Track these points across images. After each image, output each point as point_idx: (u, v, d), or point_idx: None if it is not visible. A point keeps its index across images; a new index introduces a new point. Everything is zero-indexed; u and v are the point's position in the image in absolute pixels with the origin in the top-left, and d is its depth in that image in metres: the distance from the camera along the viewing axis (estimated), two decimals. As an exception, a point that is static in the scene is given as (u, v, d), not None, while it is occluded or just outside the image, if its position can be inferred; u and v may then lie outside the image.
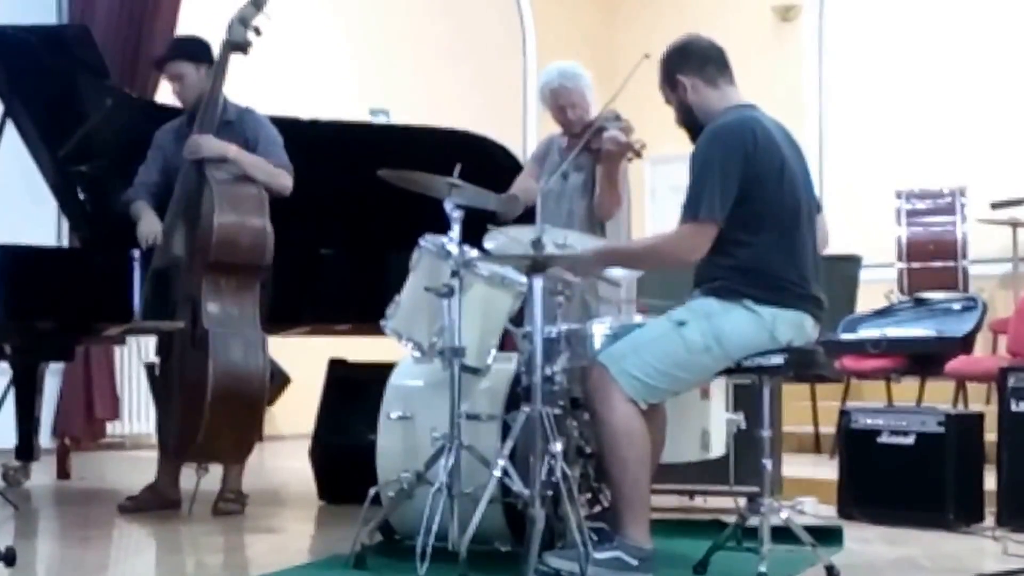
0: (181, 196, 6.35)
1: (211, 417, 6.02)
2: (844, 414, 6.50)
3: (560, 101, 6.07)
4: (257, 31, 6.29)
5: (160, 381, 6.59)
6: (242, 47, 6.29)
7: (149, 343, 7.10)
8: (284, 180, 6.41)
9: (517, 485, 4.63)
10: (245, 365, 6.16)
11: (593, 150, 5.86)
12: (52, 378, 7.97)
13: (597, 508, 5.16)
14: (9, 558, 4.49)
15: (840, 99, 12.12)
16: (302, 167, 6.61)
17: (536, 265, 4.73)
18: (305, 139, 7.14)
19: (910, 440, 6.18)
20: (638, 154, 5.78)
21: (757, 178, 4.57)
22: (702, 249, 4.60)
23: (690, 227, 4.59)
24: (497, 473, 4.64)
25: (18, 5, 8.41)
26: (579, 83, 6.07)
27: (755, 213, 4.58)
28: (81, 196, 7.02)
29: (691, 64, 4.81)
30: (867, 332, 8.34)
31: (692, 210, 4.57)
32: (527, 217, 5.64)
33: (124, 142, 6.79)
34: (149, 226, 6.42)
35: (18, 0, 8.54)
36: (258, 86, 9.38)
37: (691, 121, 4.84)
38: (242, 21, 6.26)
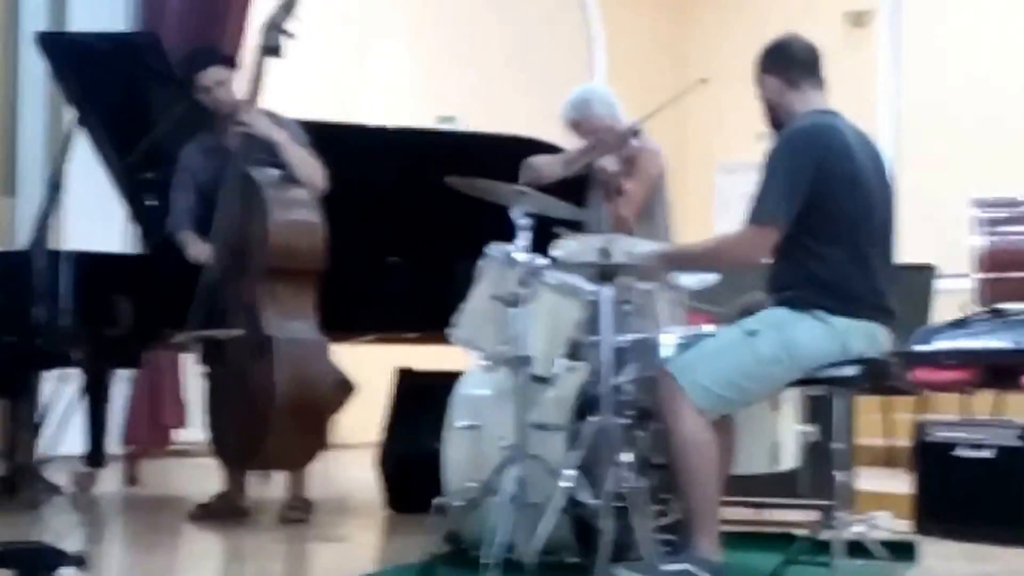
0: (228, 203, 6.32)
1: (278, 425, 6.01)
2: (920, 426, 6.37)
3: (577, 132, 6.09)
4: (290, 35, 6.27)
5: (214, 390, 6.56)
6: (275, 51, 6.28)
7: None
8: (320, 176, 6.36)
9: (585, 496, 4.61)
10: (310, 371, 6.15)
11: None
12: (119, 385, 7.98)
13: (666, 520, 5.05)
14: (80, 562, 4.49)
15: (915, 106, 11.94)
16: (370, 174, 6.58)
17: (605, 273, 4.70)
18: (373, 146, 7.16)
19: (988, 454, 6.03)
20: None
21: (828, 186, 4.52)
22: (763, 252, 4.58)
23: (752, 229, 4.56)
24: (565, 484, 4.60)
25: (88, 13, 8.46)
26: (589, 110, 6.04)
27: (827, 221, 4.54)
28: (149, 202, 7.03)
29: (776, 65, 4.79)
30: (941, 344, 8.18)
31: (756, 212, 4.54)
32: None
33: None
34: (198, 249, 6.41)
35: (88, 8, 8.59)
36: (325, 93, 9.44)
37: (774, 120, 4.81)
38: (274, 26, 6.25)
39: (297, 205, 6.26)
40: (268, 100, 6.48)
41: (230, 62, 6.52)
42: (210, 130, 6.52)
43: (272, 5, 6.34)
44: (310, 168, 6.34)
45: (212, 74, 6.44)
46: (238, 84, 6.51)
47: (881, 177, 4.76)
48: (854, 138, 4.68)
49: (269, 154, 6.32)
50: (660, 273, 5.01)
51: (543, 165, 6.04)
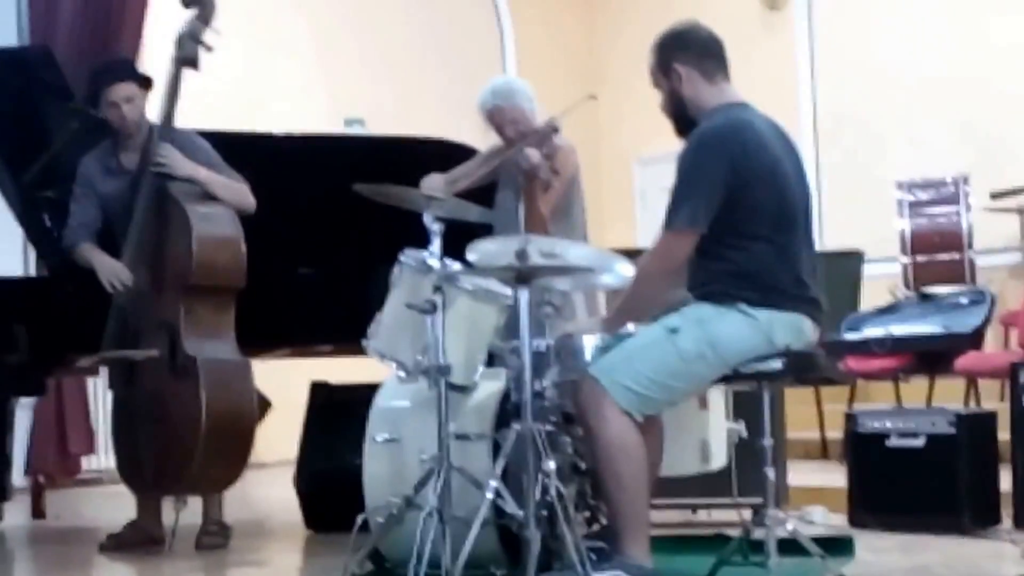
0: (143, 221, 6.14)
1: (204, 449, 5.84)
2: (850, 418, 6.33)
3: (496, 120, 5.97)
4: (207, 47, 6.17)
5: (123, 414, 6.35)
6: (193, 62, 6.18)
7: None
8: (250, 198, 6.24)
9: (511, 506, 4.52)
10: (236, 393, 6.02)
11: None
12: (23, 413, 7.76)
13: (595, 527, 4.97)
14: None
15: (834, 89, 11.90)
16: (277, 184, 6.44)
17: (522, 276, 4.59)
18: (279, 155, 7.05)
19: (920, 442, 6.02)
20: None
21: (746, 182, 4.45)
22: (682, 256, 4.50)
23: (669, 237, 4.49)
24: (489, 495, 4.52)
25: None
26: (514, 99, 5.94)
27: (746, 216, 4.46)
28: (48, 223, 6.81)
29: (690, 53, 4.64)
30: (871, 331, 8.14)
31: (672, 219, 4.47)
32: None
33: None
34: (111, 268, 6.15)
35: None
36: (229, 101, 9.24)
37: (680, 112, 4.67)
38: (192, 36, 6.16)
39: (219, 220, 6.12)
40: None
41: (143, 81, 6.30)
42: (111, 147, 6.29)
43: (187, 16, 6.21)
44: (237, 195, 6.20)
45: (121, 89, 6.22)
46: (148, 104, 6.30)
47: (797, 167, 4.68)
48: (768, 130, 4.60)
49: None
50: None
51: (456, 178, 5.91)
